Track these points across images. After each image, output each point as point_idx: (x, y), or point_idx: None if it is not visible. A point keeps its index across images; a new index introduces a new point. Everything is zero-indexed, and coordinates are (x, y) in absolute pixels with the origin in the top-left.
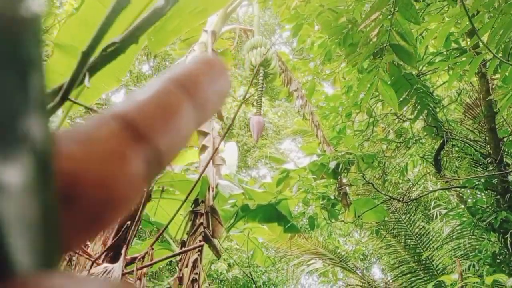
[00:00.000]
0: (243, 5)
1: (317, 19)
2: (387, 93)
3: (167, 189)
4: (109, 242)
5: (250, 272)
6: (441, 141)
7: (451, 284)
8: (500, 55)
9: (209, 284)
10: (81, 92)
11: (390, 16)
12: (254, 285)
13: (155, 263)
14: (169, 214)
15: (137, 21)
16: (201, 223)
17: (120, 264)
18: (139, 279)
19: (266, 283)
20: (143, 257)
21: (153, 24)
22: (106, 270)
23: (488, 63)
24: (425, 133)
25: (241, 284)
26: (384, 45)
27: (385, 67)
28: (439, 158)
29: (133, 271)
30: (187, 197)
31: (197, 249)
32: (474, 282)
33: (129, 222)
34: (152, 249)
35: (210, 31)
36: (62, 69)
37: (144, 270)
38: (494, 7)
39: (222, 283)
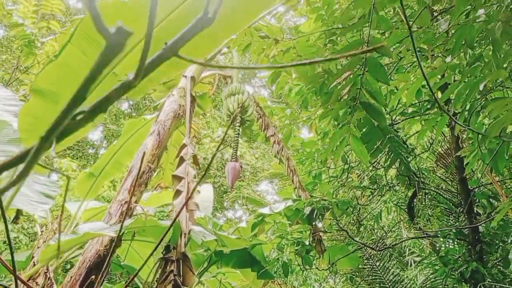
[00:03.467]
0: (222, 52)
1: (294, 68)
2: (358, 148)
3: (138, 231)
4: None
5: None
6: (415, 189)
7: None
8: (466, 112)
9: None
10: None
11: (360, 76)
12: None
13: None
14: (141, 256)
15: (106, 92)
16: (172, 271)
17: None
18: None
19: None
20: None
21: (121, 96)
22: None
23: (458, 115)
24: (400, 184)
25: None
26: (355, 103)
27: (356, 123)
28: (412, 206)
29: None
30: (158, 244)
31: None
32: None
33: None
34: None
35: (189, 76)
36: (39, 113)
37: None
38: (460, 69)
39: None
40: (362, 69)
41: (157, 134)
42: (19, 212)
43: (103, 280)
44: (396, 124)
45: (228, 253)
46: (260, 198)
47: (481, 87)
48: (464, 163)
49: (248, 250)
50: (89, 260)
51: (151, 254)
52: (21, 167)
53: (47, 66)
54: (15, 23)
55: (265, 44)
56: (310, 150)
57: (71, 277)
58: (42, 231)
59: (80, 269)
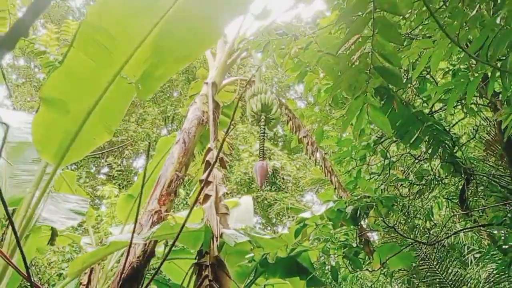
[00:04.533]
0: (242, 56)
1: (318, 64)
2: (378, 119)
3: (182, 248)
4: None
5: None
6: (464, 180)
7: None
8: (497, 74)
9: None
10: (71, 145)
11: (370, 38)
12: None
13: None
14: (185, 272)
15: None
16: (206, 276)
17: None
18: None
19: None
20: None
21: (37, 16)
22: None
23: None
24: (446, 173)
25: None
26: (368, 69)
27: (373, 92)
28: (464, 198)
29: None
30: (173, 243)
31: None
32: None
33: None
34: None
35: (210, 82)
36: (50, 123)
37: None
38: (482, 21)
39: None
40: (372, 31)
41: (183, 142)
42: (54, 232)
43: None
44: (435, 112)
45: (274, 263)
46: (305, 207)
47: (498, 20)
48: (502, 127)
49: (295, 257)
50: (123, 273)
51: (168, 252)
52: (42, 185)
53: (52, 74)
54: (38, 51)
55: (284, 43)
56: (347, 148)
57: None
58: None
59: (114, 282)
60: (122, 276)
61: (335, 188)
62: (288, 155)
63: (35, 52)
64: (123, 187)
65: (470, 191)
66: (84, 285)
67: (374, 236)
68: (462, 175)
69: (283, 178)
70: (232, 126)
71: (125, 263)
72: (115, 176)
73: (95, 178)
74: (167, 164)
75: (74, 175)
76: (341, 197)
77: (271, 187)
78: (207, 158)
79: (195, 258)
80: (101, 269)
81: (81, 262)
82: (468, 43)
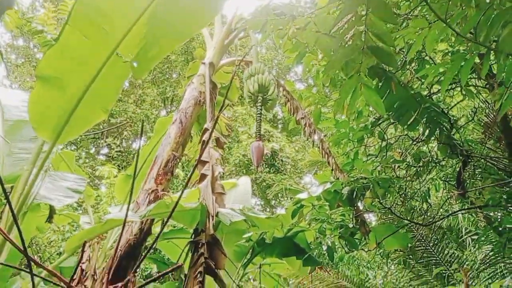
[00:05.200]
0: (240, 36)
1: (316, 45)
2: (372, 98)
3: (181, 228)
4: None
5: None
6: (461, 162)
7: None
8: (492, 56)
9: None
10: (67, 123)
11: (363, 18)
12: None
13: None
14: (184, 252)
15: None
16: (202, 254)
17: None
18: None
19: None
20: None
21: None
22: None
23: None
24: (443, 156)
25: None
26: (362, 48)
27: (366, 72)
28: (461, 180)
29: None
30: (167, 220)
31: (198, 282)
32: None
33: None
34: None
35: (208, 63)
36: (47, 101)
37: None
38: (477, 3)
39: None
40: (365, 10)
41: (179, 122)
42: (52, 210)
43: (136, 269)
44: (434, 94)
45: (271, 243)
46: (304, 189)
47: (487, 0)
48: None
49: (291, 237)
50: (120, 250)
51: (165, 224)
52: (38, 163)
53: (48, 51)
54: (35, 30)
55: (282, 23)
56: (345, 130)
57: (103, 268)
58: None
59: (111, 259)
60: (120, 252)
61: (332, 170)
62: (287, 137)
63: (32, 31)
64: (122, 168)
65: (467, 173)
66: (82, 262)
67: (371, 218)
68: (460, 157)
69: (281, 160)
70: (226, 105)
71: (119, 240)
72: (114, 157)
73: (94, 158)
74: (164, 144)
75: (73, 155)
76: (338, 178)
77: (270, 169)
78: (203, 138)
79: (191, 237)
80: (100, 247)
81: (78, 239)
82: (465, 23)
